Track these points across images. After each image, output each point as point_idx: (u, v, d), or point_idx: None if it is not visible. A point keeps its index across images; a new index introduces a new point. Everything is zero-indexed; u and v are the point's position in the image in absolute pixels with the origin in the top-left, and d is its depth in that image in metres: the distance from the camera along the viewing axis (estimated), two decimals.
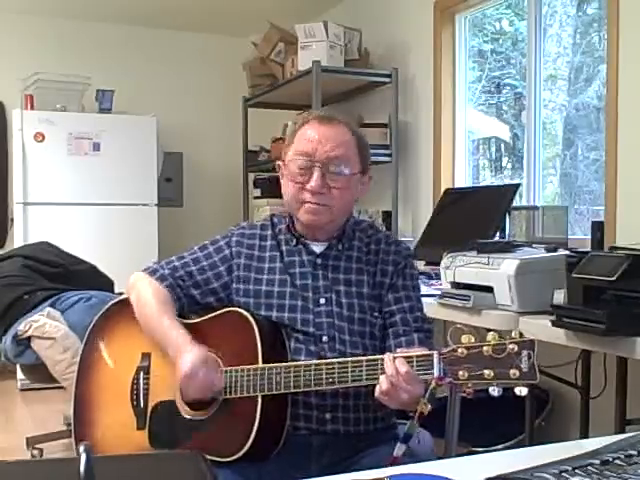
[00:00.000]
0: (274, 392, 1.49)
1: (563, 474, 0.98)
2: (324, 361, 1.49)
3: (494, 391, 1.32)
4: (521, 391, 1.32)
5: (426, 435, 1.64)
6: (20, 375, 4.23)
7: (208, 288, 1.68)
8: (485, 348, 1.33)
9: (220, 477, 1.40)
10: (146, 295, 1.66)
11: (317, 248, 1.69)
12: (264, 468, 1.53)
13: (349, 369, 1.45)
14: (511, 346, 1.32)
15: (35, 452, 3.35)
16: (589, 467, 1.01)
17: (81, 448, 0.78)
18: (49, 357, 2.90)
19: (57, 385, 3.09)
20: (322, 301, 1.63)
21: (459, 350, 1.35)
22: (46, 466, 1.07)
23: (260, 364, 1.52)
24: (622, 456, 1.05)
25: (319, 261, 1.67)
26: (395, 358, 1.40)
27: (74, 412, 1.73)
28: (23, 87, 4.92)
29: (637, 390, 2.50)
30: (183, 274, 1.68)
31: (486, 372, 1.32)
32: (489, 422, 2.73)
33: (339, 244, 1.69)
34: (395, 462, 1.39)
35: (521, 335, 1.34)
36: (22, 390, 4.54)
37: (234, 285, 1.67)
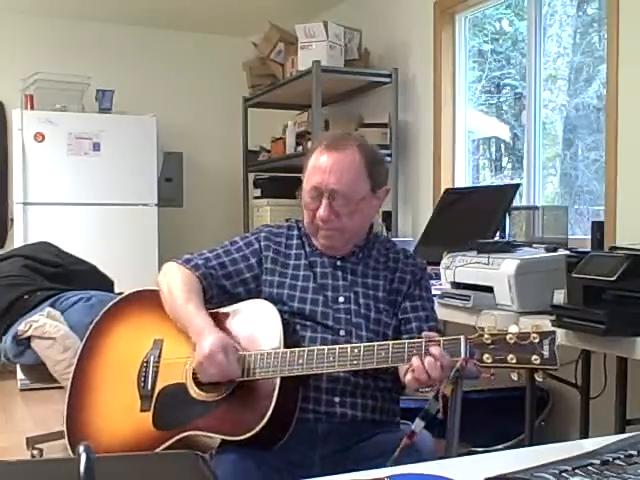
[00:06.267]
0: (295, 374, 1.52)
1: (563, 474, 0.98)
2: (348, 345, 1.54)
3: (514, 376, 1.42)
4: (539, 376, 1.42)
5: (426, 435, 1.64)
6: (20, 375, 4.22)
7: (240, 279, 1.75)
8: (509, 336, 1.42)
9: (219, 469, 1.41)
10: (176, 282, 1.71)
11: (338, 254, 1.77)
12: (265, 458, 1.54)
13: (375, 352, 1.50)
14: (534, 335, 1.41)
15: (35, 452, 3.35)
16: (589, 467, 1.01)
17: (81, 448, 0.78)
18: (49, 357, 2.90)
19: (57, 385, 3.09)
20: (341, 299, 1.71)
21: (485, 336, 1.44)
22: (46, 466, 1.07)
23: (282, 349, 1.56)
24: (622, 456, 1.05)
25: (339, 263, 1.75)
26: (427, 343, 1.47)
27: (68, 400, 1.73)
28: (23, 87, 4.92)
29: (637, 390, 2.50)
30: (215, 264, 1.75)
31: (509, 357, 1.41)
32: (489, 422, 2.73)
33: (360, 252, 1.77)
34: (413, 436, 1.44)
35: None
36: (22, 390, 4.54)
37: (263, 277, 1.75)
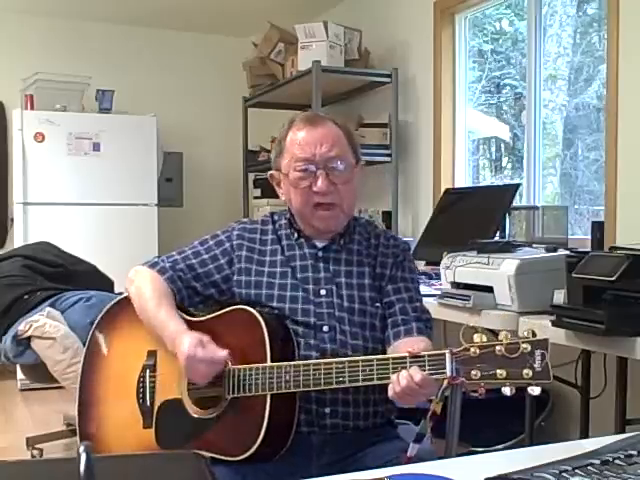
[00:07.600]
0: (283, 391, 1.49)
1: (563, 474, 0.98)
2: (334, 360, 1.48)
3: (507, 390, 1.31)
4: (534, 390, 1.30)
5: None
6: (20, 375, 4.23)
7: (209, 280, 1.69)
8: (498, 348, 1.31)
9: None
10: (145, 288, 1.66)
11: (320, 242, 1.71)
12: (263, 469, 1.53)
13: (359, 368, 1.44)
14: (524, 345, 1.30)
15: (35, 452, 3.35)
16: (589, 467, 1.01)
17: (81, 448, 0.78)
18: (49, 357, 2.89)
19: (57, 385, 3.09)
20: (323, 292, 1.65)
21: (471, 349, 1.34)
22: (46, 466, 1.07)
23: (269, 363, 1.52)
24: (622, 456, 1.05)
25: (321, 254, 1.69)
26: (410, 366, 1.38)
27: (79, 412, 1.73)
28: (23, 87, 4.92)
29: (637, 390, 2.50)
30: (184, 267, 1.69)
31: (499, 372, 1.31)
32: (489, 422, 2.73)
33: (341, 239, 1.71)
34: (410, 462, 1.39)
35: (534, 334, 1.32)
36: (22, 390, 4.54)
37: (235, 277, 1.69)
